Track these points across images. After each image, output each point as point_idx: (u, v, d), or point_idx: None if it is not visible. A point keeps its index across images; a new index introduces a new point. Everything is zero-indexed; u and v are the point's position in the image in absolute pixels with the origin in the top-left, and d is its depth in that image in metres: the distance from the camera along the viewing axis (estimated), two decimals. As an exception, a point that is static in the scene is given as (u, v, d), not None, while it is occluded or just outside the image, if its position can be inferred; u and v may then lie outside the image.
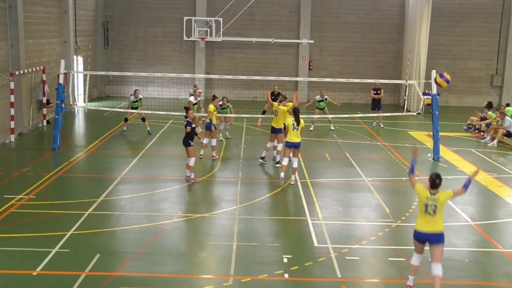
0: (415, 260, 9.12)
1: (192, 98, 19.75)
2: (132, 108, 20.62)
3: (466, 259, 10.60)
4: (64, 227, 11.36)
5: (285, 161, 14.91)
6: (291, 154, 15.13)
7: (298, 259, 10.19)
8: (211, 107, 17.12)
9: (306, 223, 12.14)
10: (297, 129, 14.66)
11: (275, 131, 16.51)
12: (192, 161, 14.72)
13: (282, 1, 31.08)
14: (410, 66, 29.15)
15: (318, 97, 22.65)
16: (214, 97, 17.72)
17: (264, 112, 21.51)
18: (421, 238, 8.95)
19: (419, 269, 9.27)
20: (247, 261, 10.11)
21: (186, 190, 14.46)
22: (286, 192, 14.44)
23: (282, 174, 14.85)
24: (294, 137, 14.68)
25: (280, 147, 16.52)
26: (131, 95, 20.89)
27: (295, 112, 14.94)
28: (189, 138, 14.66)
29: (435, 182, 8.85)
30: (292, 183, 14.85)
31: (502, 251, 10.96)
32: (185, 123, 14.78)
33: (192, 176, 14.85)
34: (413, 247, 9.19)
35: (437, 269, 8.79)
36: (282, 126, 16.35)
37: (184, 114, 15.12)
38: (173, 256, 10.36)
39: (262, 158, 17.07)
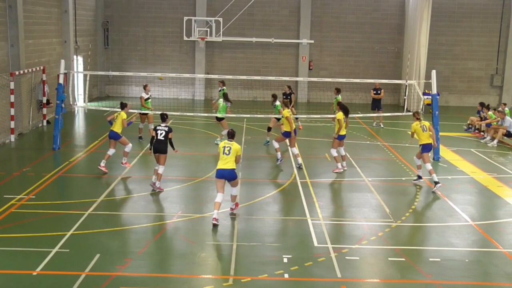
0: (219, 197, 11.85)
1: (143, 94, 19.44)
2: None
3: (466, 259, 10.59)
4: (64, 227, 11.37)
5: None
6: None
7: (298, 259, 10.19)
8: (123, 114, 15.62)
9: (306, 223, 12.14)
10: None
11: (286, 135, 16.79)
12: (162, 169, 14.10)
13: (282, 1, 31.08)
14: (410, 66, 29.14)
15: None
16: (125, 105, 16.26)
17: (269, 129, 19.86)
18: (221, 175, 11.95)
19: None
20: (247, 261, 10.11)
21: (186, 190, 14.46)
22: (286, 192, 14.45)
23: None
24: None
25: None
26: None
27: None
28: (167, 145, 13.99)
29: (232, 134, 12.35)
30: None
31: (502, 251, 10.96)
32: (167, 128, 13.98)
33: (158, 185, 14.14)
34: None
35: (234, 191, 12.34)
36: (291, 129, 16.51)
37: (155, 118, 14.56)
38: (173, 256, 10.37)
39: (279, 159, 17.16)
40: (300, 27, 31.00)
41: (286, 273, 9.65)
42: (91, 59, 29.19)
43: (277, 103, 19.22)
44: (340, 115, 16.29)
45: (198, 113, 23.20)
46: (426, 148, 15.08)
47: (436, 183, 14.68)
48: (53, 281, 9.16)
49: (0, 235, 10.87)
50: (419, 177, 15.45)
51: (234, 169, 12.04)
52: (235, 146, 12.13)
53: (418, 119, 15.49)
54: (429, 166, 14.90)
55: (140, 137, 19.73)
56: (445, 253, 10.79)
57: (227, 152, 12.01)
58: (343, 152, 16.63)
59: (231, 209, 12.57)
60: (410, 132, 15.81)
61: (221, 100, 19.27)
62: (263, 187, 14.82)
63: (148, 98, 19.47)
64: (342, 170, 16.35)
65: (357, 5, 31.20)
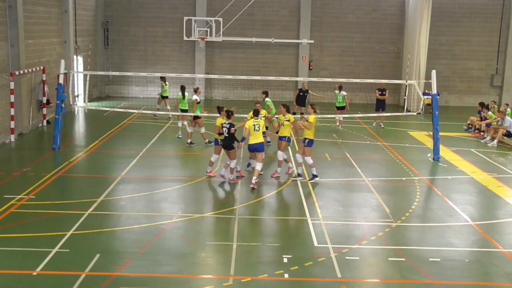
0: (258, 165, 14.43)
1: (196, 97, 18.76)
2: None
3: (466, 259, 10.60)
4: (64, 227, 11.36)
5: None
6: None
7: (298, 259, 10.19)
8: (218, 120, 15.18)
9: (306, 223, 12.14)
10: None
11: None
12: (234, 163, 14.88)
13: (282, 1, 31.08)
14: (410, 66, 29.15)
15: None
16: (221, 108, 15.55)
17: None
18: (253, 148, 14.56)
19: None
20: (247, 261, 10.11)
21: (186, 190, 14.46)
22: (286, 192, 14.45)
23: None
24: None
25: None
26: None
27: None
28: (232, 141, 14.74)
29: (257, 112, 15.15)
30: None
31: (502, 251, 10.97)
32: (228, 125, 14.64)
33: (232, 177, 14.92)
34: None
35: (258, 165, 14.52)
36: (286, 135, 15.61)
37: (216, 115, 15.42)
38: (173, 256, 10.37)
39: (299, 175, 15.70)
40: (300, 27, 31.01)
41: (286, 273, 9.65)
42: (91, 59, 29.19)
43: (267, 99, 18.85)
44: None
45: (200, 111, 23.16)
46: (312, 142, 15.08)
47: (314, 176, 15.20)
48: (53, 281, 9.16)
49: (0, 235, 10.88)
50: (299, 175, 15.46)
51: (263, 142, 14.72)
52: (262, 121, 14.83)
53: (315, 111, 15.31)
54: (311, 160, 15.13)
55: (191, 143, 19.00)
56: (445, 253, 10.79)
57: (257, 129, 14.50)
58: (285, 156, 15.87)
59: (252, 183, 14.40)
60: (306, 122, 14.84)
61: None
62: (263, 187, 14.81)
63: (198, 102, 18.76)
64: (280, 174, 15.67)
65: (357, 5, 31.20)
